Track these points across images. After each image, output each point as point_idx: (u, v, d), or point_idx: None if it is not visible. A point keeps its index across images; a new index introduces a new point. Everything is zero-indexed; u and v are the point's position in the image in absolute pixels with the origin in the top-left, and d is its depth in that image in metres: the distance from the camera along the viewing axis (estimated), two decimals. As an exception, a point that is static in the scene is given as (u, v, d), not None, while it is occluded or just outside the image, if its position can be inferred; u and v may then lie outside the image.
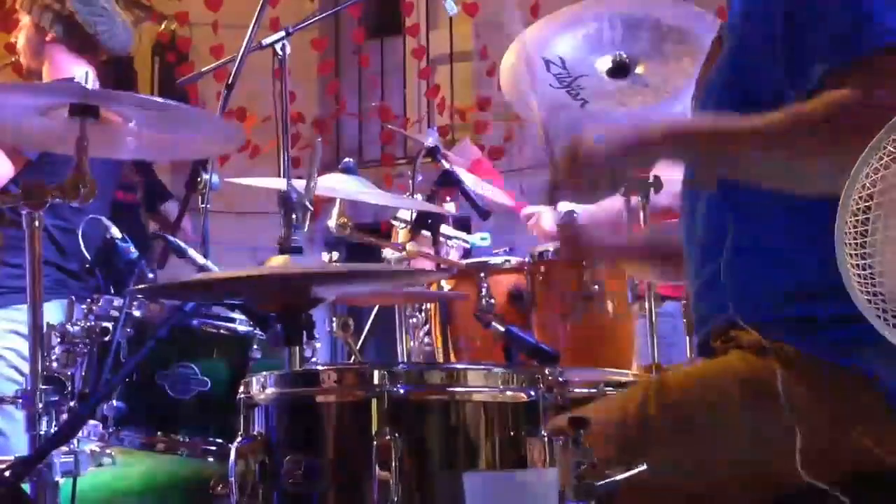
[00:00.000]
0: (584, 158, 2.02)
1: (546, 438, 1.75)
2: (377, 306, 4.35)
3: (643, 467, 1.75)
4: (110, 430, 2.59)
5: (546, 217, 4.17)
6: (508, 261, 3.72)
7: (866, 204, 1.34)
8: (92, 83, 2.48)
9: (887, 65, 1.86)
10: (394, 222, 4.10)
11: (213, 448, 2.63)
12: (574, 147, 2.04)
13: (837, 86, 1.86)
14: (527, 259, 3.62)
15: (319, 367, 1.87)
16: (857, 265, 1.33)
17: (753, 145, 1.91)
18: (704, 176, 2.08)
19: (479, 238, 4.45)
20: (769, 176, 1.93)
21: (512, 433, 1.76)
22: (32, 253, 2.43)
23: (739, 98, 2.03)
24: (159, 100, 2.48)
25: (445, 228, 4.02)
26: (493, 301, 3.66)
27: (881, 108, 1.64)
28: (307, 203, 2.24)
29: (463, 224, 4.64)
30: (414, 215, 3.84)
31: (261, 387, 1.82)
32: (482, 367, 1.82)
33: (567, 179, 2.04)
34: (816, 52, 1.91)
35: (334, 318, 3.53)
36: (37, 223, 2.43)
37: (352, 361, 3.73)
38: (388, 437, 1.68)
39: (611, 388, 2.53)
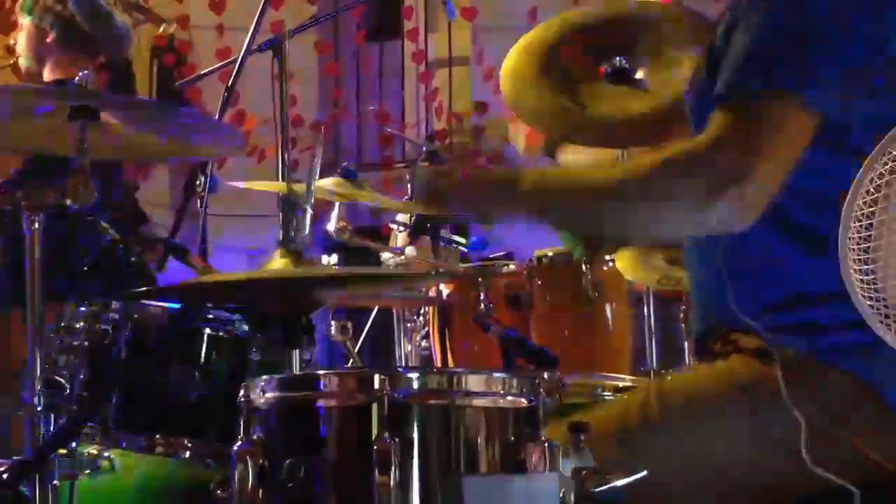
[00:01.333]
0: (458, 178, 2.08)
1: (546, 444, 1.75)
2: (375, 310, 4.36)
3: (644, 473, 1.75)
4: (109, 432, 2.58)
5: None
6: (507, 265, 3.73)
7: (870, 209, 1.34)
8: (91, 86, 2.48)
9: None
10: (392, 226, 4.10)
11: (212, 451, 2.62)
12: (463, 160, 2.09)
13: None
14: (525, 263, 3.63)
15: (320, 372, 1.86)
16: (860, 270, 1.33)
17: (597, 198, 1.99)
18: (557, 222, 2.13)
19: (476, 242, 4.46)
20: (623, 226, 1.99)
21: (512, 438, 1.75)
22: (29, 256, 2.42)
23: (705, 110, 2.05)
24: (161, 103, 2.48)
25: (444, 232, 4.03)
26: (491, 305, 3.66)
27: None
28: (308, 206, 2.24)
29: (461, 228, 4.64)
30: (413, 219, 3.85)
31: (261, 390, 1.81)
32: (482, 372, 1.82)
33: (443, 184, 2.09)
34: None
35: (333, 322, 3.53)
36: (36, 225, 2.43)
37: (350, 365, 3.73)
38: (387, 442, 1.67)
39: (609, 393, 2.53)
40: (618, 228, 2.03)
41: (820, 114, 1.90)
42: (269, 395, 1.81)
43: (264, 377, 1.85)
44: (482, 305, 3.62)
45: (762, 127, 1.89)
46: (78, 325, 2.61)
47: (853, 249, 1.36)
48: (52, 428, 2.43)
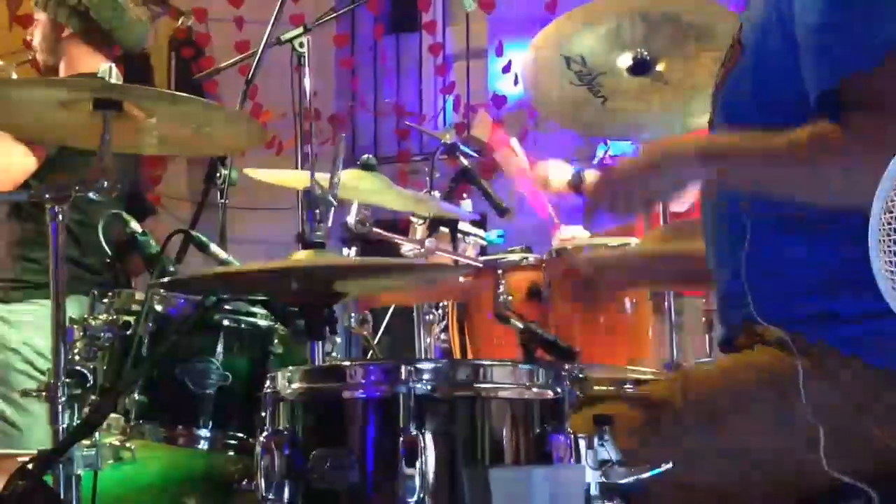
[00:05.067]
0: (616, 180, 2.03)
1: (572, 435, 1.75)
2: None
3: (669, 465, 1.75)
4: (131, 423, 2.59)
5: (555, 170, 4.17)
6: (526, 258, 3.72)
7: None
8: (115, 77, 2.48)
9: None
10: (412, 219, 4.09)
11: (234, 442, 2.63)
12: (608, 170, 2.04)
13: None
14: (544, 256, 3.62)
15: (346, 363, 1.86)
16: (891, 262, 1.33)
17: (777, 162, 1.91)
18: (731, 189, 2.08)
19: (495, 235, 4.45)
20: (793, 190, 1.94)
21: (538, 430, 1.76)
22: (55, 247, 2.43)
23: (760, 108, 2.04)
24: (183, 95, 2.47)
25: (463, 225, 4.02)
26: (510, 298, 3.65)
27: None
28: (331, 198, 2.24)
29: (478, 221, 4.63)
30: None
31: (287, 381, 1.81)
32: (508, 363, 1.82)
33: (601, 201, 2.04)
34: (811, 76, 1.94)
35: (352, 314, 3.53)
36: (60, 217, 2.43)
37: (369, 357, 3.73)
38: (414, 433, 1.67)
39: (631, 386, 2.53)
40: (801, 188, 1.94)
41: None
42: (295, 385, 1.81)
43: (290, 368, 1.85)
44: (501, 298, 3.62)
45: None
46: (100, 317, 2.62)
47: (883, 241, 1.35)
48: (74, 419, 2.44)
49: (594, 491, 1.73)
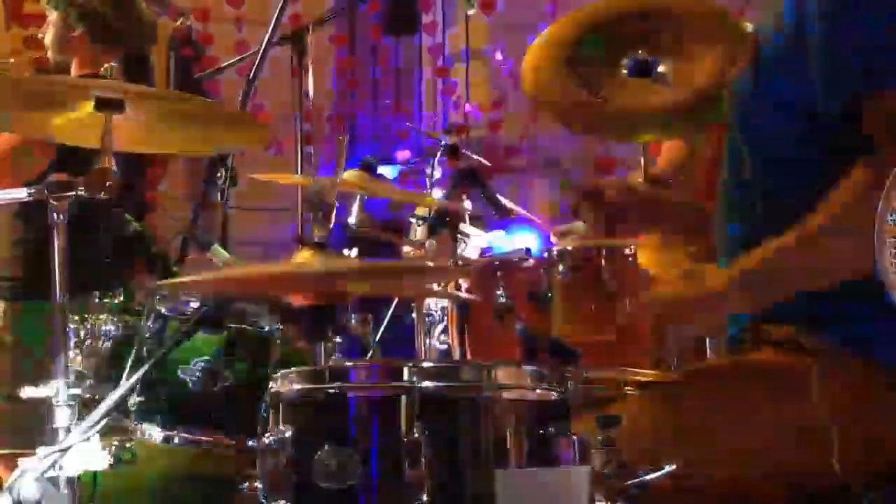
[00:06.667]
0: (657, 339, 2.02)
1: (576, 437, 1.75)
2: (394, 303, 4.35)
3: (673, 466, 1.75)
4: (132, 424, 2.59)
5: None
6: (526, 259, 3.71)
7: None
8: (118, 77, 2.48)
9: None
10: (412, 220, 4.09)
11: (234, 443, 2.63)
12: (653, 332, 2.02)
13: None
14: (544, 257, 3.61)
15: (350, 363, 1.86)
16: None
17: (807, 256, 1.92)
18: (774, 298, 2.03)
19: (494, 236, 4.45)
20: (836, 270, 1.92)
21: (542, 431, 1.76)
22: (55, 247, 2.42)
23: (771, 108, 2.03)
24: (187, 95, 2.47)
25: (463, 226, 4.02)
26: (511, 299, 3.65)
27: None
28: (333, 199, 2.24)
29: (478, 222, 4.63)
30: (432, 213, 3.84)
31: (290, 382, 1.81)
32: (513, 364, 1.82)
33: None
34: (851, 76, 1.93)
35: (353, 315, 3.52)
36: (61, 217, 2.43)
37: (368, 358, 3.72)
38: (417, 434, 1.67)
39: (632, 388, 2.52)
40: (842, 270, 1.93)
41: None
42: (298, 386, 1.81)
43: (294, 368, 1.85)
44: (502, 300, 3.61)
45: None
46: (101, 317, 2.62)
47: (890, 241, 1.35)
48: (75, 419, 2.43)
49: (599, 493, 1.73)
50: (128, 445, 2.56)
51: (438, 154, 4.21)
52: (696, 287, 1.99)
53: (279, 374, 1.84)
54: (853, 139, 1.92)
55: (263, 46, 3.54)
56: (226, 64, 4.15)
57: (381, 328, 4.30)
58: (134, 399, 2.58)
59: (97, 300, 2.68)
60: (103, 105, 2.39)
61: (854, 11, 1.94)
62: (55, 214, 2.41)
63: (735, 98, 2.16)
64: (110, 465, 2.48)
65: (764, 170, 2.07)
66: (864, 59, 1.91)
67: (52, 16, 3.95)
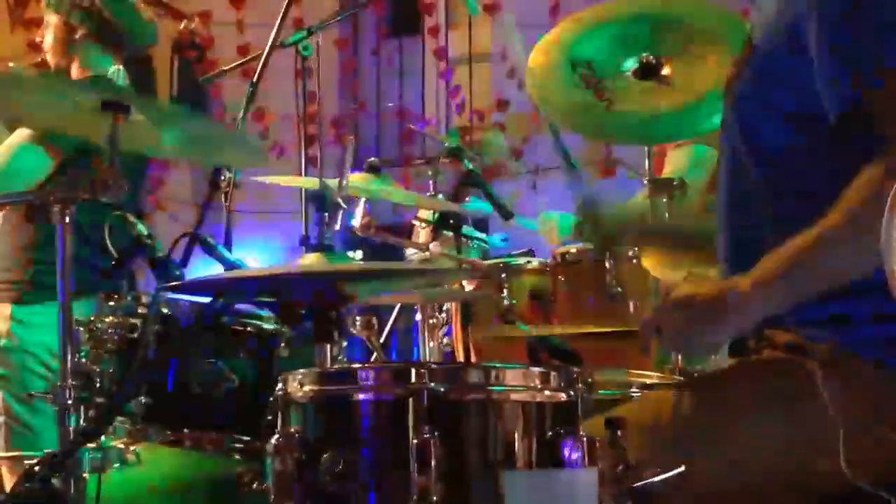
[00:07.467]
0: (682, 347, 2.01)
1: (584, 438, 1.75)
2: (398, 306, 4.35)
3: (681, 469, 1.75)
4: (137, 426, 2.59)
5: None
6: (530, 262, 3.71)
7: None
8: (124, 80, 2.49)
9: None
10: (415, 222, 4.09)
11: (240, 445, 2.62)
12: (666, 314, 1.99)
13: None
14: (549, 260, 3.61)
15: (356, 365, 1.86)
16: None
17: (826, 256, 1.88)
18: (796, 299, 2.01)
19: (497, 239, 4.45)
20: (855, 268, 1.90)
21: (549, 433, 1.76)
22: (63, 249, 2.43)
23: (766, 110, 2.03)
24: (186, 108, 2.48)
25: (466, 229, 4.02)
26: (514, 302, 3.65)
27: None
28: (339, 201, 2.24)
29: (481, 225, 4.64)
30: (436, 216, 3.84)
31: (298, 384, 1.81)
32: (520, 366, 1.82)
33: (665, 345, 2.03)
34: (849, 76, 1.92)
35: (357, 318, 3.52)
36: (68, 219, 2.43)
37: (373, 360, 3.72)
38: (426, 436, 1.67)
39: (637, 390, 2.53)
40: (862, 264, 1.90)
41: None
42: (306, 388, 1.81)
43: (302, 370, 1.85)
44: (505, 302, 3.61)
45: None
46: (107, 319, 2.61)
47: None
48: (81, 421, 2.44)
49: (606, 495, 1.73)
50: (133, 448, 2.56)
51: (441, 157, 4.20)
52: (718, 288, 1.96)
53: (287, 375, 1.84)
54: (854, 141, 1.92)
55: (267, 49, 3.54)
56: (228, 67, 4.14)
57: (386, 331, 4.32)
58: (139, 401, 2.58)
59: (102, 302, 2.68)
60: (109, 108, 2.40)
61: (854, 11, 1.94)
62: (61, 216, 2.42)
63: (734, 101, 2.16)
64: (116, 467, 2.48)
65: (764, 173, 2.07)
66: (864, 56, 1.90)
67: (52, 18, 3.94)
